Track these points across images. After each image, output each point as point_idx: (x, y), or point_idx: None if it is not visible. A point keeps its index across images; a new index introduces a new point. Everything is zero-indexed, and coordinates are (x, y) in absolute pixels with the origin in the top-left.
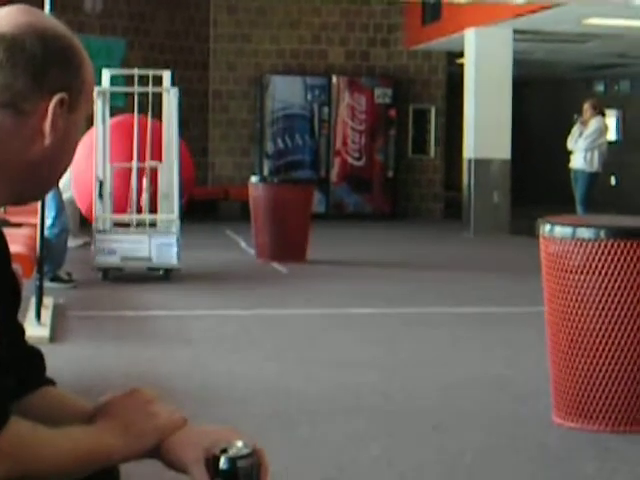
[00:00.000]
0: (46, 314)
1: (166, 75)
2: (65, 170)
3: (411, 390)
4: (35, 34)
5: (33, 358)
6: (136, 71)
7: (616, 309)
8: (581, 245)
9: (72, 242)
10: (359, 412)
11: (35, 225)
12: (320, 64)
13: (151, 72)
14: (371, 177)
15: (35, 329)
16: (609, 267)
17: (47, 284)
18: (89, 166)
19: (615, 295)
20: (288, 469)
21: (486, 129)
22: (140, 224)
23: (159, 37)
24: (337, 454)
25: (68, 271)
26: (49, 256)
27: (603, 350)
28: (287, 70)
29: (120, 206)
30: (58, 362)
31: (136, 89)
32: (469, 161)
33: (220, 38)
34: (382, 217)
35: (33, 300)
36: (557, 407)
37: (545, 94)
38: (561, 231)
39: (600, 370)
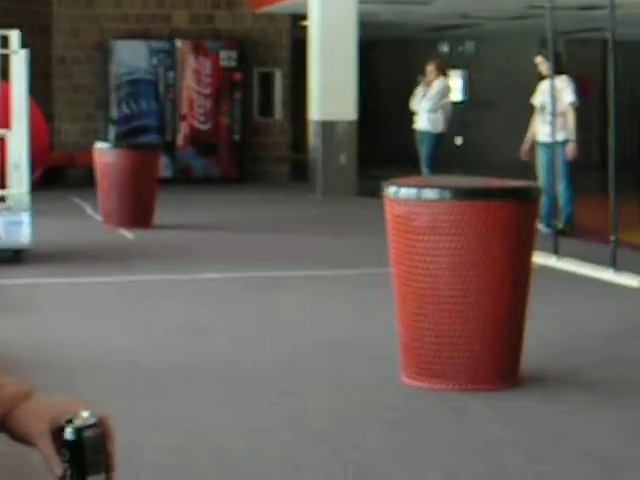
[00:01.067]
0: None
1: (14, 35)
2: None
3: (259, 355)
4: None
5: None
6: None
7: (462, 269)
8: (426, 206)
9: None
10: (208, 378)
11: None
12: (164, 28)
13: None
14: (217, 141)
15: None
16: (454, 228)
17: None
18: None
19: (461, 255)
20: (136, 437)
21: (332, 91)
22: None
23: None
24: (185, 420)
25: None
26: None
27: (450, 309)
28: (131, 34)
29: None
30: None
31: None
32: (315, 123)
33: (63, 2)
34: (229, 181)
35: None
36: (405, 367)
37: (392, 55)
38: (406, 192)
39: (448, 329)
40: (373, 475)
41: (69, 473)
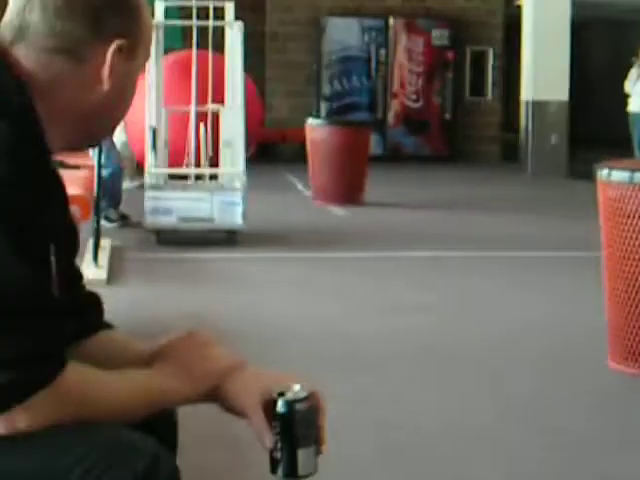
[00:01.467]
0: (103, 256)
1: (229, 6)
2: (122, 117)
3: (467, 335)
4: None
5: (91, 302)
6: (194, 2)
7: None
8: (639, 190)
9: (129, 184)
10: (415, 357)
11: (92, 167)
12: (377, 6)
13: (212, 3)
14: (428, 119)
15: (92, 271)
16: None
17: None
18: (142, 108)
19: None
20: (345, 413)
21: (544, 71)
22: (199, 178)
23: None
24: (393, 399)
25: (124, 213)
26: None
27: None
28: (344, 12)
29: (176, 157)
30: (115, 304)
31: (195, 22)
32: (527, 103)
33: None
34: (439, 159)
35: (91, 242)
36: (613, 353)
37: (605, 36)
38: (619, 175)
39: None
40: (576, 459)
41: (279, 445)
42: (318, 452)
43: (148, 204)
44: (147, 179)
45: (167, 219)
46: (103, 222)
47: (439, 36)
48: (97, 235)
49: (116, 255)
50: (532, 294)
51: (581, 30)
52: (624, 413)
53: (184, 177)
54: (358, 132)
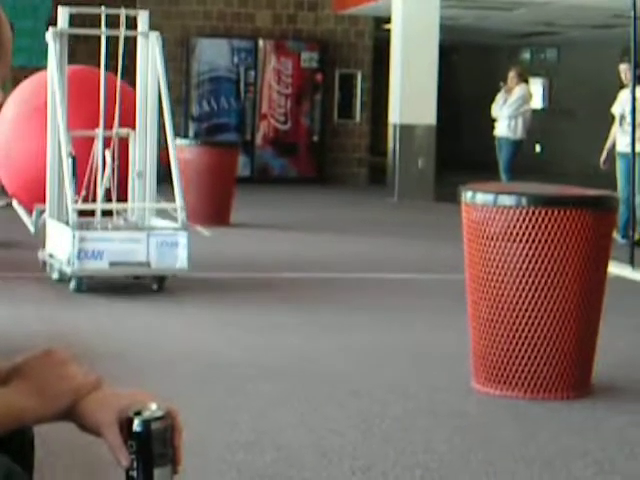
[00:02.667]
0: None
1: (143, 16)
2: None
3: (331, 356)
4: None
5: None
6: (103, 9)
7: (537, 276)
8: (502, 212)
9: None
10: (278, 376)
11: None
12: (247, 27)
13: (123, 11)
14: (297, 141)
15: None
16: (530, 234)
17: None
18: (24, 133)
19: (536, 262)
20: (205, 433)
21: (412, 94)
22: (106, 214)
23: None
24: (256, 418)
25: None
26: None
27: (523, 317)
28: (214, 33)
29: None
30: None
31: (104, 31)
32: (394, 126)
33: None
34: (307, 181)
35: None
36: (477, 374)
37: (473, 60)
38: (483, 198)
39: (520, 337)
40: (443, 478)
41: (136, 465)
42: (175, 472)
43: (75, 246)
44: (71, 217)
45: (97, 264)
46: None
47: (308, 58)
48: None
49: None
50: (397, 316)
51: (449, 54)
52: (486, 433)
53: (88, 213)
54: (226, 153)
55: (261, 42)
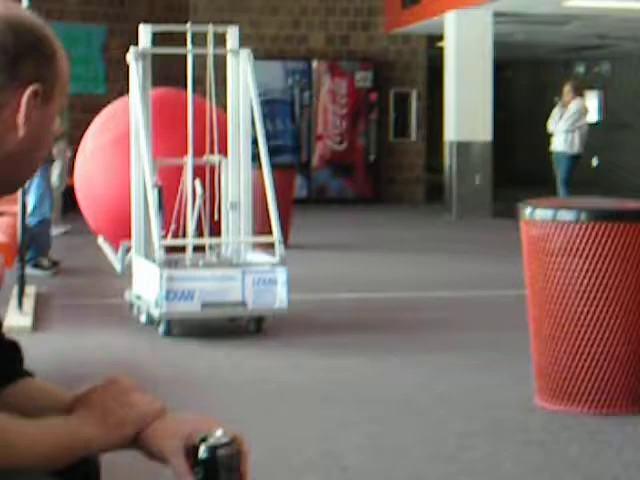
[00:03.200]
0: (28, 303)
1: (232, 33)
2: (39, 162)
3: (394, 376)
4: (6, 25)
5: (9, 350)
6: (189, 26)
7: (598, 291)
8: (562, 228)
9: (54, 230)
10: (343, 398)
11: (16, 214)
12: (301, 49)
13: (211, 28)
14: (353, 161)
15: (17, 318)
16: (590, 250)
17: (30, 271)
18: (106, 164)
19: (597, 278)
20: (271, 455)
21: (467, 111)
22: (197, 250)
23: (138, 23)
24: (321, 440)
25: (55, 259)
26: (31, 244)
27: (585, 332)
28: (267, 55)
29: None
30: (40, 351)
31: (190, 49)
32: (450, 144)
33: (200, 24)
34: (364, 201)
35: (15, 289)
36: (540, 391)
37: (526, 76)
38: (542, 214)
39: (583, 353)
40: None
41: None
42: None
43: (162, 287)
44: (158, 254)
45: (187, 305)
46: (35, 270)
47: (362, 78)
48: (22, 282)
49: (42, 301)
50: (457, 331)
51: (503, 70)
52: (551, 451)
53: (178, 249)
54: (282, 174)
55: (315, 63)
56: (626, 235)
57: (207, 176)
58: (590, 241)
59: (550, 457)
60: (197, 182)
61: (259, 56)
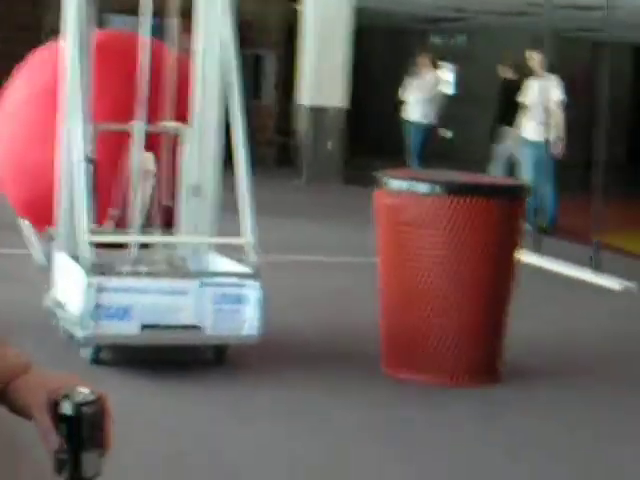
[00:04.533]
0: None
1: None
2: None
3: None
4: None
5: None
6: None
7: (449, 263)
8: (416, 199)
9: None
10: None
11: None
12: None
13: None
14: None
15: None
16: (442, 222)
17: None
18: (29, 125)
19: (448, 250)
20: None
21: (323, 76)
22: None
23: None
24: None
25: None
26: None
27: (433, 303)
28: (121, 10)
29: (100, 208)
30: None
31: None
32: (304, 108)
33: None
34: None
35: None
36: (386, 358)
37: (384, 43)
38: (397, 184)
39: (430, 324)
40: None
41: (64, 447)
42: (102, 455)
43: (87, 300)
44: (82, 254)
45: (122, 326)
46: None
47: None
48: None
49: None
50: (307, 297)
51: (361, 37)
52: (392, 415)
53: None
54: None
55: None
56: (478, 209)
57: (163, 149)
58: (443, 214)
59: (390, 421)
60: (148, 155)
61: (116, 9)
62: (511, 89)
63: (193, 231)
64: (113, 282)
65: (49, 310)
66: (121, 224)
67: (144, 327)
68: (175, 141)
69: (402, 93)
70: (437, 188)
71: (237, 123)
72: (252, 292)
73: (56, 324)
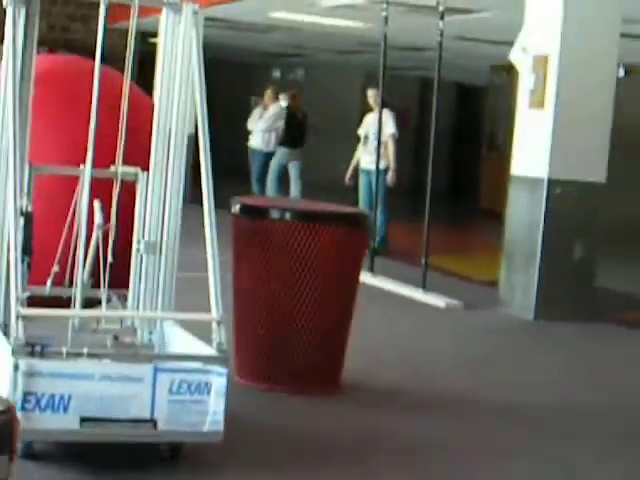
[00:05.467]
0: None
1: None
2: None
3: None
4: None
5: None
6: None
7: (296, 285)
8: (269, 224)
9: None
10: None
11: None
12: None
13: None
14: None
15: None
16: (290, 245)
17: None
18: None
19: (296, 271)
20: None
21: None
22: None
23: None
24: None
25: None
26: None
27: (282, 321)
28: None
29: (40, 266)
30: None
31: None
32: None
33: None
34: None
35: None
36: (239, 368)
37: (230, 76)
38: (250, 210)
39: (278, 338)
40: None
41: None
42: (12, 460)
43: (15, 386)
44: (14, 328)
45: (58, 419)
46: None
47: None
48: None
49: None
50: None
51: (211, 70)
52: (245, 425)
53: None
54: None
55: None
56: (325, 235)
57: (113, 197)
58: (292, 238)
59: (243, 430)
60: (96, 203)
61: None
62: (289, 115)
63: (147, 296)
64: (48, 365)
65: None
66: (59, 282)
67: (84, 421)
68: (126, 189)
69: (250, 122)
70: (287, 215)
71: (205, 170)
72: (217, 380)
73: None
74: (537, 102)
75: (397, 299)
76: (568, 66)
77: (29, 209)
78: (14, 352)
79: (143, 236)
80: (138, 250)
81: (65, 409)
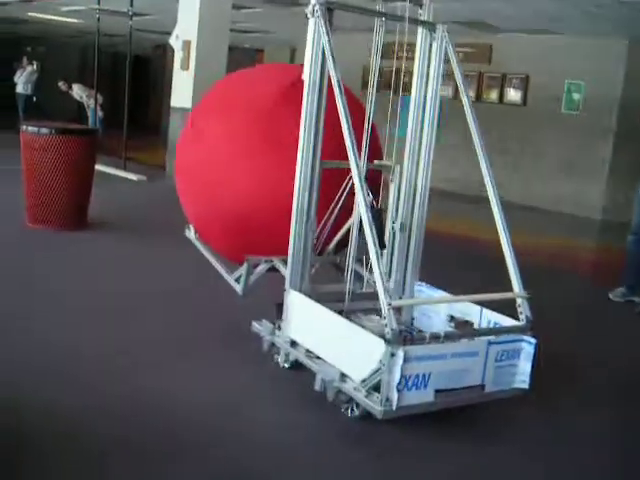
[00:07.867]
0: None
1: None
2: None
3: None
4: None
5: None
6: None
7: (61, 170)
8: (43, 137)
9: None
10: None
11: None
12: None
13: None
14: None
15: None
16: (54, 147)
17: None
18: (243, 161)
19: (57, 164)
20: None
21: None
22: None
23: None
24: None
25: None
26: None
27: (48, 187)
28: None
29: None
30: None
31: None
32: None
33: None
34: None
35: None
36: (29, 217)
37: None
38: (32, 129)
39: (47, 198)
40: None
41: None
42: None
43: (391, 371)
44: (388, 316)
45: (419, 395)
46: None
47: None
48: None
49: None
50: None
51: None
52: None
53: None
54: None
55: None
56: (73, 142)
57: (379, 186)
58: (56, 144)
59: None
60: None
61: None
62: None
63: (399, 267)
64: (417, 350)
65: (272, 346)
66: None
67: (437, 392)
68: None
69: (15, 77)
70: (53, 130)
71: (482, 157)
72: (527, 347)
73: (280, 360)
74: (184, 66)
75: (112, 177)
76: (201, 46)
77: (377, 205)
78: (390, 341)
79: (396, 218)
80: (393, 229)
81: (425, 385)
